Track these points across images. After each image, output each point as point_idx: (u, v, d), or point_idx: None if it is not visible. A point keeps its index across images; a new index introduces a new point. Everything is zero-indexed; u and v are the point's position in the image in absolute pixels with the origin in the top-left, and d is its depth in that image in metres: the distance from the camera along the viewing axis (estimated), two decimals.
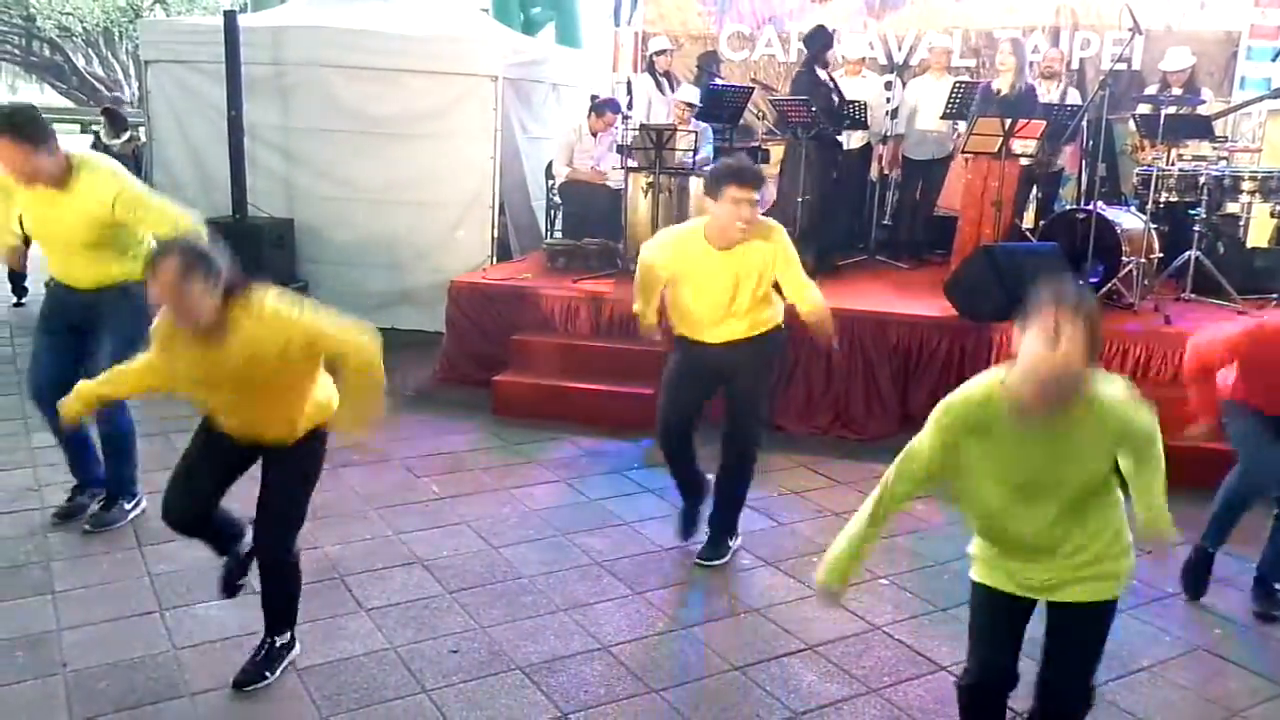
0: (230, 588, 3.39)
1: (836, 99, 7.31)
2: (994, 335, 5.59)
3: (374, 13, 7.87)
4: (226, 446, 3.10)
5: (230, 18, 7.21)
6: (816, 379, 5.84)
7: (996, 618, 2.53)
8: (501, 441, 5.48)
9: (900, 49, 8.93)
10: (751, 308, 3.88)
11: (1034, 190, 7.57)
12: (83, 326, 4.04)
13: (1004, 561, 2.47)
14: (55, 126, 3.98)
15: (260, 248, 7.40)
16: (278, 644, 3.20)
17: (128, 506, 4.25)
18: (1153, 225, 6.26)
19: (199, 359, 2.93)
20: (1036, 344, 2.15)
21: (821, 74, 7.38)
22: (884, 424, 5.74)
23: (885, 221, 8.34)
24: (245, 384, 2.93)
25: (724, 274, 3.78)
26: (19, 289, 8.41)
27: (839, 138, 7.42)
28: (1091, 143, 7.26)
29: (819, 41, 7.49)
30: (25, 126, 3.68)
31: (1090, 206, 6.24)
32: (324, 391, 3.17)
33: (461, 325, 6.51)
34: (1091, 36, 8.46)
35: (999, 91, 7.04)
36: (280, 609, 3.19)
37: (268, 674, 3.13)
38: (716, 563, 4.07)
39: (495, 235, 7.54)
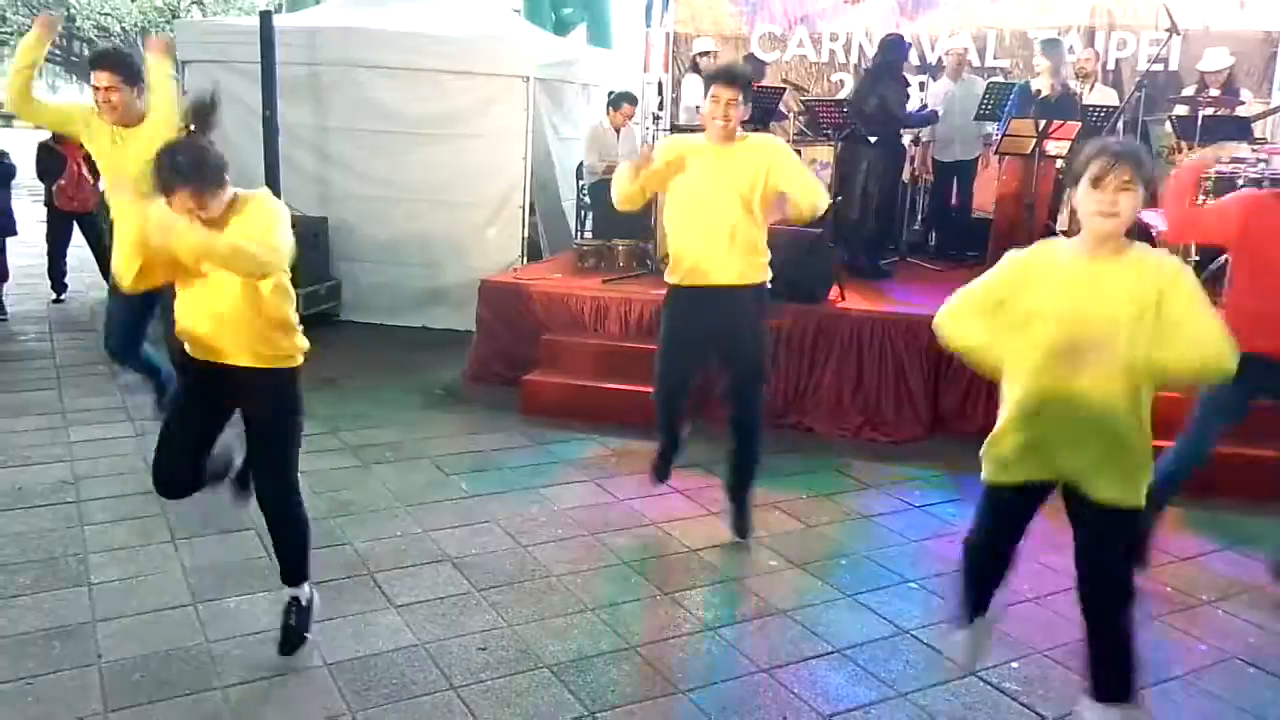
0: (240, 494, 3.54)
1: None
2: None
3: (407, 14, 7.93)
4: (202, 402, 3.15)
5: (266, 18, 7.29)
6: (847, 380, 5.81)
7: (1003, 515, 2.80)
8: (531, 441, 5.50)
9: (933, 50, 8.87)
10: (744, 235, 3.88)
11: (1068, 192, 7.50)
12: None
13: (1036, 447, 2.61)
14: None
15: (294, 246, 7.46)
16: (302, 601, 3.26)
17: None
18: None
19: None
20: (1088, 189, 2.44)
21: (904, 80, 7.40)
22: (914, 427, 5.71)
23: (915, 225, 8.31)
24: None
25: (720, 168, 3.84)
26: (58, 285, 8.55)
27: (871, 140, 7.39)
28: None
29: (902, 50, 7.46)
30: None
31: None
32: (295, 331, 3.30)
33: (492, 325, 6.54)
34: (1128, 37, 8.37)
35: (1039, 93, 6.98)
36: (295, 560, 3.26)
37: (307, 634, 3.24)
38: (750, 536, 4.21)
39: (526, 235, 7.58)
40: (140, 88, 4.26)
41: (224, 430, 3.24)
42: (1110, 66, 8.38)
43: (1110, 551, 2.64)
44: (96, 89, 4.19)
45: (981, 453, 2.74)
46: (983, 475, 2.76)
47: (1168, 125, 7.14)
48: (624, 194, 4.00)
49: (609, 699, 3.12)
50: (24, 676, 3.10)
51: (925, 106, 7.44)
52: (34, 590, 3.64)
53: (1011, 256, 2.63)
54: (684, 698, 3.15)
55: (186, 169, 2.85)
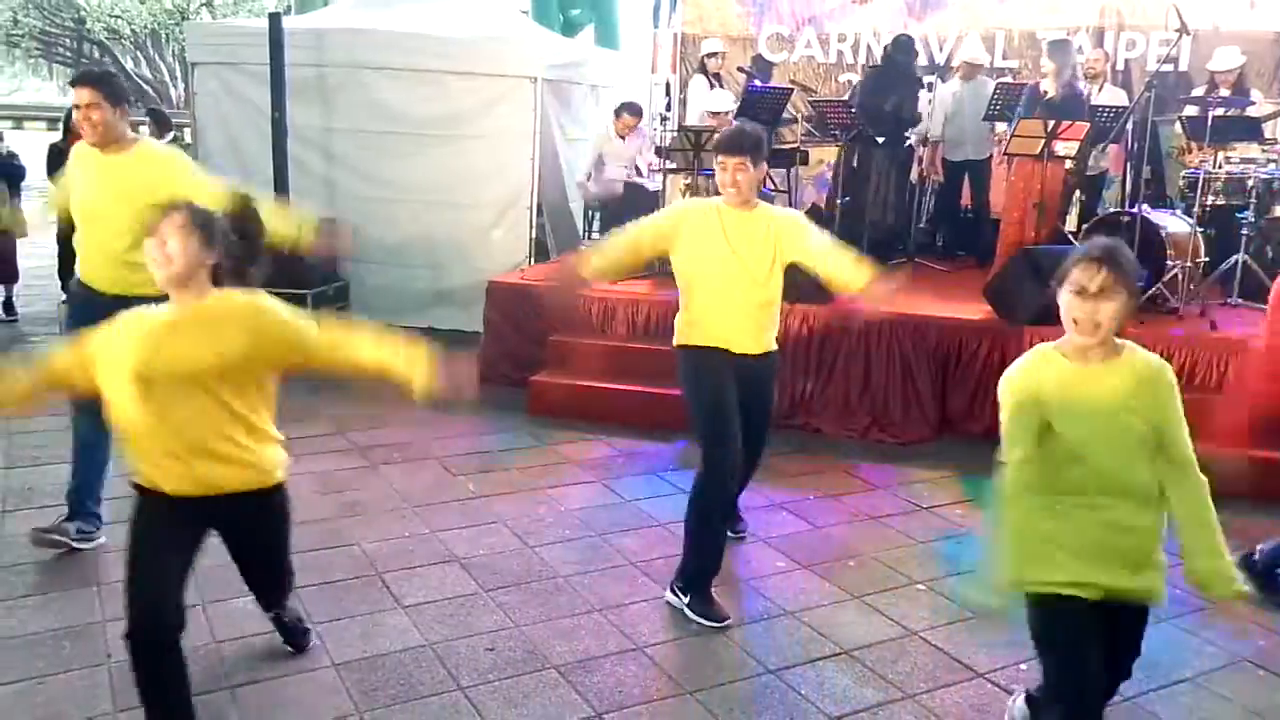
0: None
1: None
2: (1035, 338, 5.52)
3: (415, 15, 7.94)
4: (171, 522, 2.67)
5: (275, 20, 7.32)
6: (854, 381, 5.80)
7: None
8: (538, 441, 5.50)
9: (941, 50, 8.85)
10: (761, 304, 3.70)
11: (1076, 193, 7.48)
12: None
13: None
14: None
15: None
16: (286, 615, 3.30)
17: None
18: (1199, 229, 6.16)
19: (155, 335, 2.58)
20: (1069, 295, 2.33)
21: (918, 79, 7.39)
22: (922, 428, 5.70)
23: (922, 224, 8.29)
24: (187, 377, 2.54)
25: (732, 233, 3.63)
26: (68, 286, 8.57)
27: (879, 140, 7.39)
28: (1137, 145, 7.15)
29: (907, 50, 7.45)
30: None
31: (1135, 209, 6.15)
32: (275, 445, 2.79)
33: (499, 325, 6.55)
34: (1137, 37, 8.34)
35: (1045, 94, 6.97)
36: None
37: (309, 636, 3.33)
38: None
39: (533, 236, 7.58)
40: (123, 108, 3.95)
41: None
42: (1119, 67, 8.35)
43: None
44: (77, 107, 3.90)
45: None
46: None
47: (1177, 126, 7.11)
48: (600, 271, 3.85)
49: (616, 699, 3.13)
50: (34, 676, 3.12)
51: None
52: (43, 591, 3.65)
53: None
54: (691, 698, 3.15)
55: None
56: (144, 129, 10.42)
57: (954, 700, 3.19)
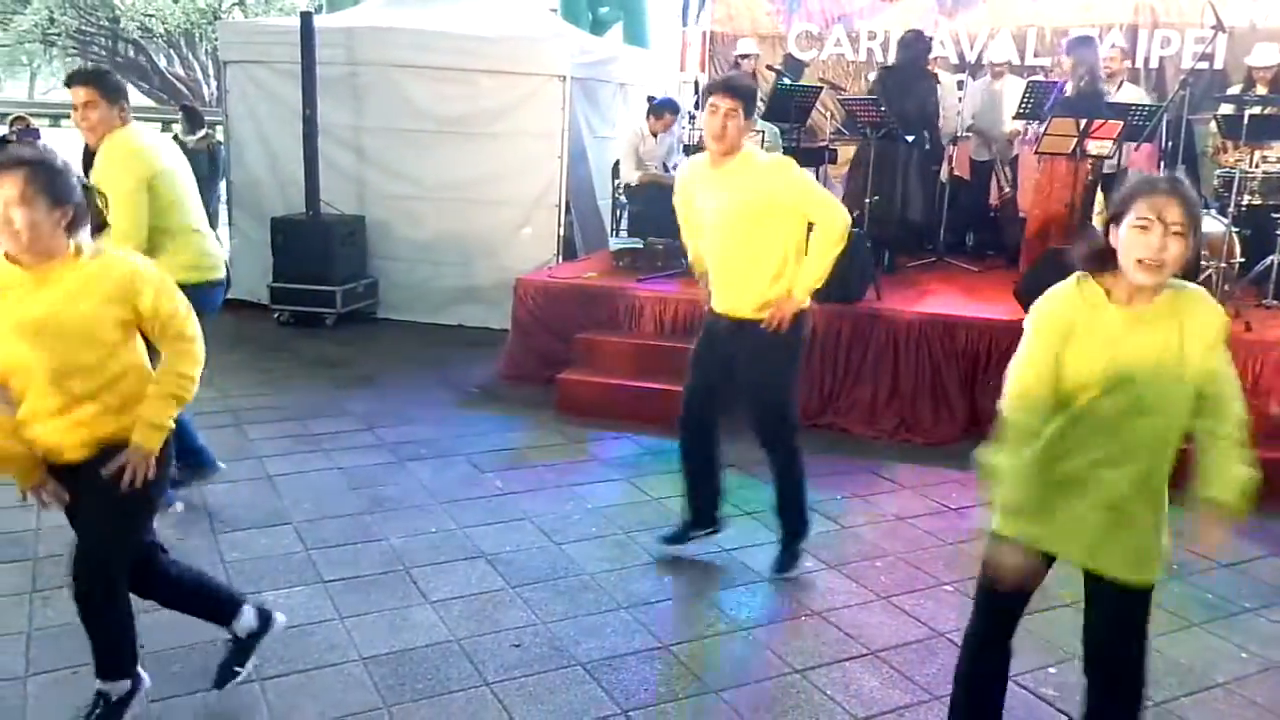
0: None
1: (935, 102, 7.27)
2: None
3: (445, 14, 7.98)
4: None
5: (306, 19, 7.38)
6: (883, 381, 5.78)
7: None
8: (565, 439, 5.52)
9: (972, 48, 8.79)
10: (757, 263, 3.65)
11: (1098, 191, 7.40)
12: None
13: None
14: (137, 125, 4.13)
15: (332, 244, 7.56)
16: (110, 696, 2.79)
17: None
18: (1234, 229, 6.08)
19: (21, 302, 2.52)
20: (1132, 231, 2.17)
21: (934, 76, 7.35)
22: (950, 429, 5.66)
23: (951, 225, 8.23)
24: (60, 338, 2.51)
25: (724, 188, 3.64)
26: None
27: (909, 139, 7.34)
28: (1170, 144, 7.07)
29: (925, 46, 7.40)
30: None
31: None
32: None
33: (526, 323, 6.57)
34: (1172, 35, 8.23)
35: (1063, 91, 6.91)
36: (99, 651, 2.78)
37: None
38: (789, 574, 3.93)
39: (561, 234, 7.60)
40: (122, 105, 3.93)
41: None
42: (1154, 65, 8.26)
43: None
44: (75, 107, 3.87)
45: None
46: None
47: (1213, 124, 7.02)
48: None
49: (642, 697, 3.13)
50: (69, 665, 3.16)
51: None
52: None
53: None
54: (716, 697, 3.15)
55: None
56: (177, 126, 10.56)
57: None
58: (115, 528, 2.70)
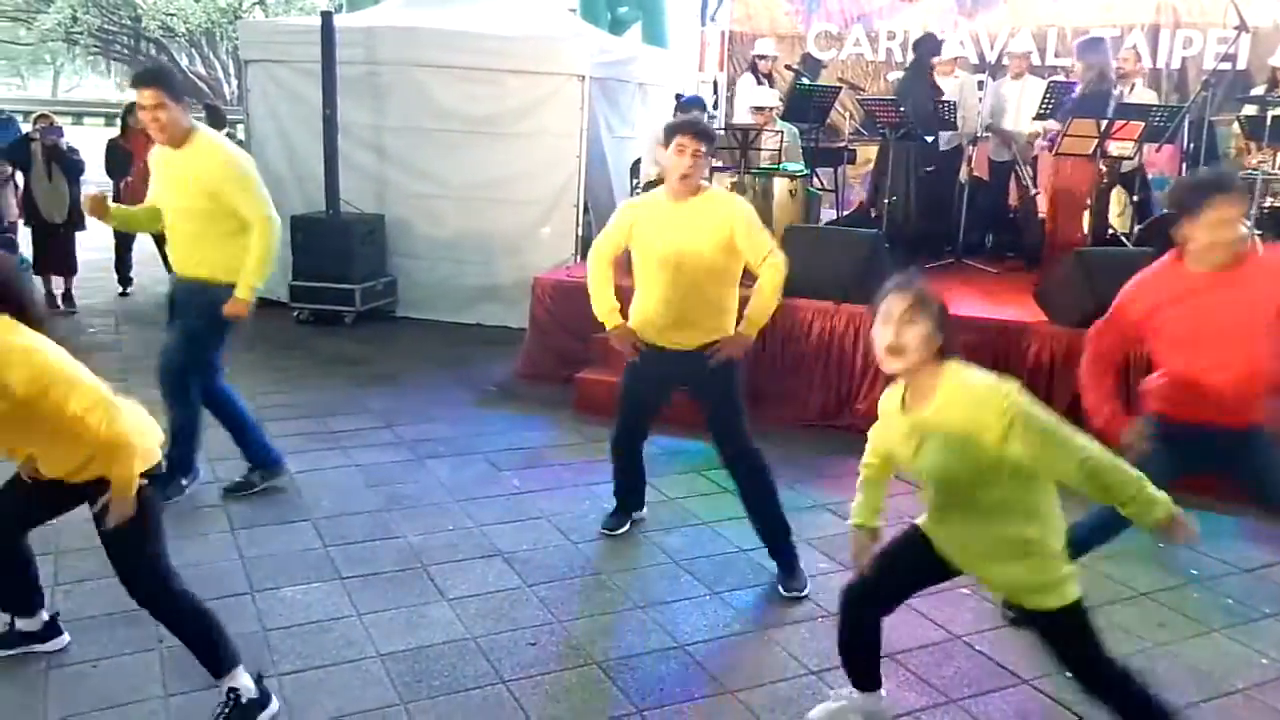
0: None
1: (936, 104, 7.24)
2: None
3: (465, 13, 8.01)
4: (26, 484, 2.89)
5: (327, 19, 7.42)
6: None
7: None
8: (582, 438, 5.53)
9: (992, 48, 8.75)
10: (711, 297, 3.76)
11: (1115, 191, 7.35)
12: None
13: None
14: None
15: (351, 243, 7.60)
16: (233, 697, 2.88)
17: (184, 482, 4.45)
18: (1257, 232, 6.03)
19: None
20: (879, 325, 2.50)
21: (930, 79, 7.33)
22: None
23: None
24: None
25: (682, 223, 3.72)
26: (124, 279, 8.76)
27: (928, 139, 7.32)
28: (1192, 145, 7.02)
29: (927, 47, 7.41)
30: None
31: None
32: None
33: (544, 322, 6.59)
34: (1194, 35, 8.17)
35: (1075, 93, 6.88)
36: (199, 652, 2.92)
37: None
38: (802, 593, 3.85)
39: (579, 233, 7.61)
40: (185, 103, 4.09)
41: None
42: (1175, 65, 8.20)
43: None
44: (142, 109, 3.98)
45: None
46: None
47: (1235, 126, 6.97)
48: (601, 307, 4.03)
49: (657, 697, 3.13)
50: (89, 659, 3.20)
51: (949, 105, 7.33)
52: (99, 575, 3.71)
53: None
54: (732, 698, 3.15)
55: None
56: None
57: (998, 706, 3.16)
58: (126, 549, 2.87)
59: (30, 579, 3.21)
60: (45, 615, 3.26)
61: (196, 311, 4.23)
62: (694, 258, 3.72)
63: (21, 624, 3.21)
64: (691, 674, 3.28)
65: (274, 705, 2.95)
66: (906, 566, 2.80)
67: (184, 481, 4.45)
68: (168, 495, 4.29)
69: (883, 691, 2.95)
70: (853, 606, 2.82)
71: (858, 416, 5.78)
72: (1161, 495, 2.39)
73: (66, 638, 3.28)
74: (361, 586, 3.74)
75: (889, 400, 2.69)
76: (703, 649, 3.43)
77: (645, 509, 4.45)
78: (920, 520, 2.78)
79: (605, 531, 4.29)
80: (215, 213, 4.10)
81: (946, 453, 2.47)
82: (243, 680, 2.91)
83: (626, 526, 4.34)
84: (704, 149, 3.68)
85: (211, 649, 2.91)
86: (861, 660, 2.90)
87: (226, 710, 2.87)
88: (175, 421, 4.31)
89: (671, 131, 3.75)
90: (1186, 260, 3.22)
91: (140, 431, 2.79)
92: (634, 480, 4.32)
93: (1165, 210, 7.06)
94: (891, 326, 2.45)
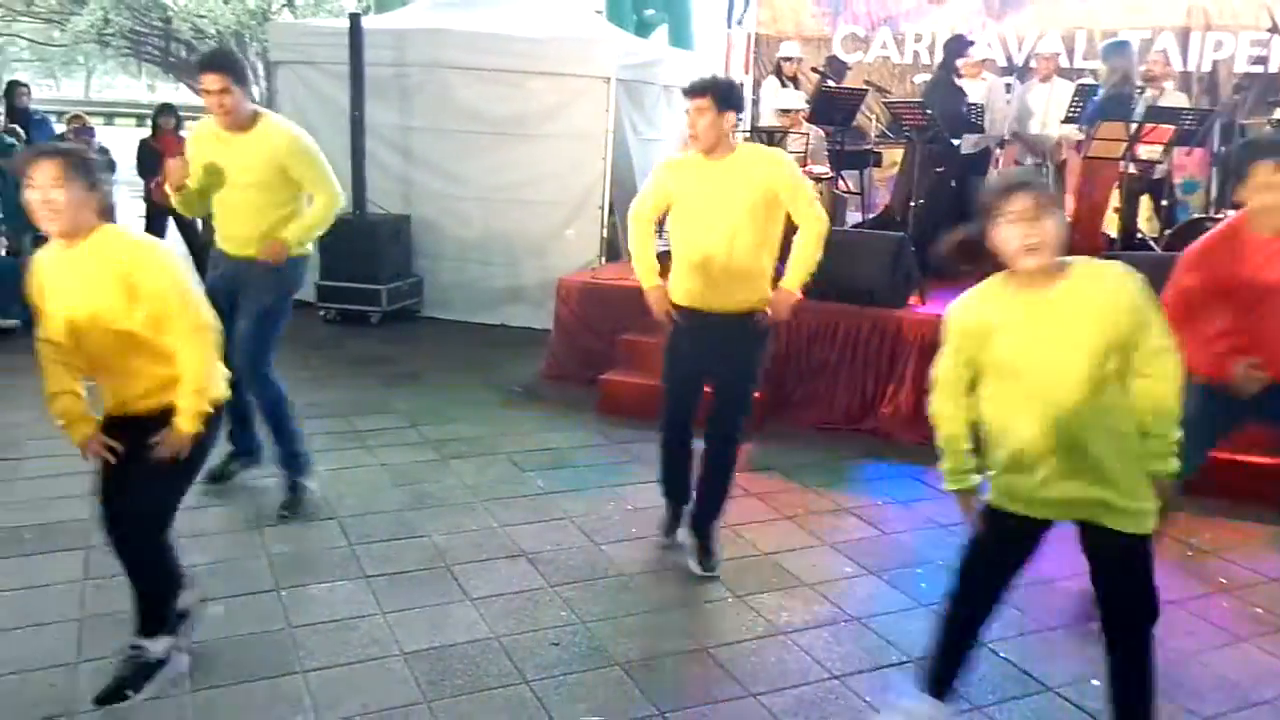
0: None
1: (965, 107, 7.21)
2: None
3: (491, 15, 8.04)
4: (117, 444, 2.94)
5: (355, 21, 7.47)
6: (925, 387, 5.71)
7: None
8: (606, 440, 5.54)
9: (1020, 50, 8.69)
10: (743, 257, 3.70)
11: (1145, 197, 7.28)
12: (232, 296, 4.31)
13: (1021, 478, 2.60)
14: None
15: (378, 243, 7.64)
16: (147, 653, 2.99)
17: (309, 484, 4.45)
18: None
19: (63, 276, 2.81)
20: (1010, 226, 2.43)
21: (957, 81, 7.29)
22: None
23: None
24: (91, 322, 2.77)
25: (719, 180, 3.68)
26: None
27: (955, 142, 7.28)
28: (1223, 148, 6.95)
29: (955, 48, 7.38)
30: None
31: (1220, 215, 5.97)
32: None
33: (569, 323, 6.60)
34: (1225, 38, 8.08)
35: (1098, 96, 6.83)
36: (150, 607, 3.01)
37: (129, 691, 2.96)
38: (716, 574, 3.91)
39: (604, 235, 7.63)
40: (246, 88, 4.15)
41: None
42: (1206, 68, 8.11)
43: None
44: (208, 93, 4.01)
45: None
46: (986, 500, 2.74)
47: (1267, 128, 6.89)
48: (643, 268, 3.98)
49: (680, 699, 3.14)
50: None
51: (977, 108, 7.29)
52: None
53: (950, 318, 2.68)
54: (754, 701, 3.15)
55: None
56: None
57: (1022, 713, 3.14)
58: (156, 482, 2.91)
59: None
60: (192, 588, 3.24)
61: (268, 288, 4.23)
62: (730, 216, 3.68)
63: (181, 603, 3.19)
64: (714, 676, 3.27)
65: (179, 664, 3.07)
66: (998, 557, 2.75)
67: (308, 483, 4.45)
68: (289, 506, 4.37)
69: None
70: (959, 611, 2.80)
71: (882, 420, 5.77)
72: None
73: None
74: (386, 585, 3.77)
75: (976, 308, 2.61)
76: (725, 651, 3.42)
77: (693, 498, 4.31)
78: (990, 496, 2.71)
79: (666, 542, 4.19)
80: (284, 191, 4.19)
81: (1077, 333, 2.42)
82: (161, 647, 3.01)
83: (681, 535, 4.17)
84: (706, 103, 3.59)
85: (161, 609, 3.02)
86: (955, 667, 2.86)
87: (132, 660, 2.98)
88: (266, 409, 4.32)
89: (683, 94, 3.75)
90: (1249, 223, 3.31)
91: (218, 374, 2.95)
92: (684, 470, 4.17)
93: (1195, 215, 7.00)
94: (1028, 223, 2.41)
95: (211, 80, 4.01)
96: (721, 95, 3.65)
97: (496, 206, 7.77)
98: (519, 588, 3.80)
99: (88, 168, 2.75)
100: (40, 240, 8.14)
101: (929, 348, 5.69)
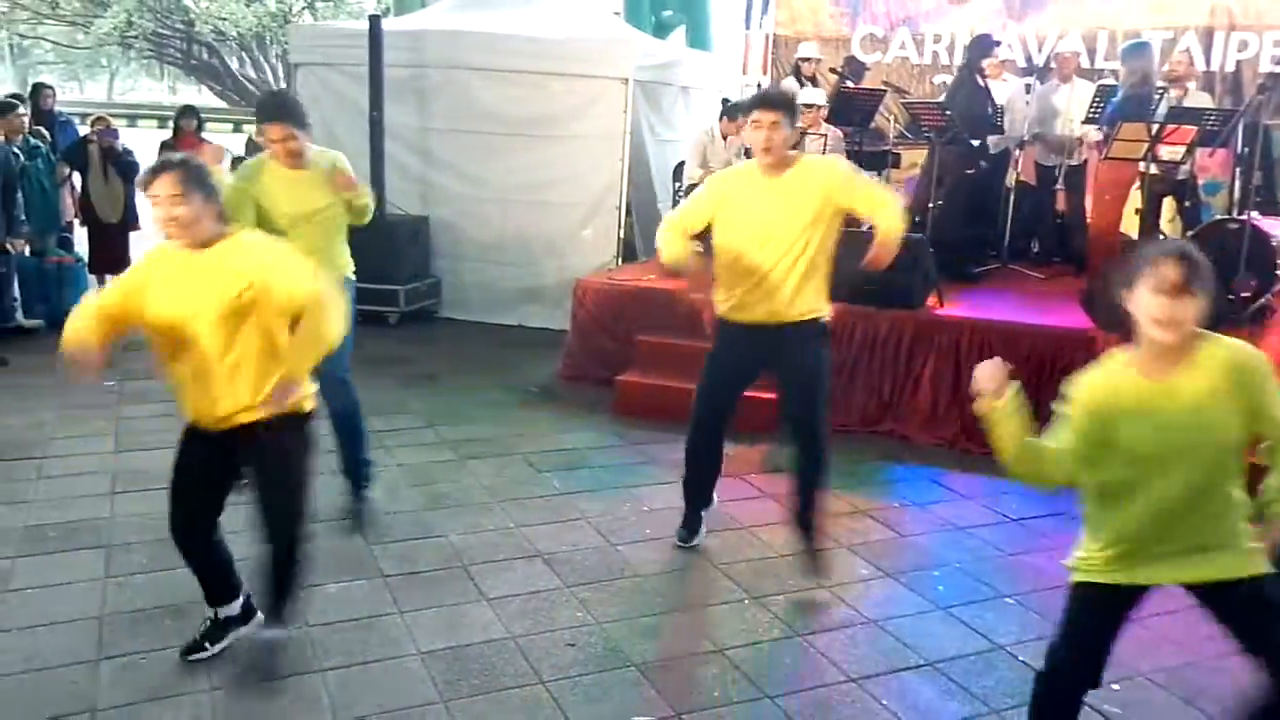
0: (192, 649, 3.24)
1: (991, 108, 7.17)
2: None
3: (510, 16, 8.06)
4: (204, 456, 3.04)
5: (375, 23, 7.50)
6: (943, 388, 5.71)
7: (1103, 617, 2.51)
8: (622, 440, 5.54)
9: (1041, 51, 8.64)
10: (805, 269, 3.69)
11: (1168, 199, 7.22)
12: None
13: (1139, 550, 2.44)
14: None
15: (396, 244, 7.67)
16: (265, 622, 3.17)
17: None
18: None
19: (182, 280, 2.87)
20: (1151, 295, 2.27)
21: (981, 81, 7.25)
22: None
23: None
24: (221, 320, 2.85)
25: (775, 197, 3.66)
26: None
27: (975, 143, 7.24)
28: (1246, 149, 6.88)
29: (979, 48, 7.33)
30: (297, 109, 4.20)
31: (1243, 216, 5.92)
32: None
33: (586, 324, 6.61)
34: (1250, 38, 8.01)
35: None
36: (286, 591, 3.12)
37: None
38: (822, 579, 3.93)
39: (621, 236, 7.63)
40: (308, 131, 4.15)
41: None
42: (1230, 69, 8.04)
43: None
44: (273, 141, 4.05)
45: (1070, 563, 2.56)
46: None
47: None
48: (673, 257, 3.90)
49: (696, 700, 3.13)
50: (138, 651, 3.26)
51: (1000, 111, 7.25)
52: (150, 569, 3.82)
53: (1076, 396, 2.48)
54: (770, 703, 3.14)
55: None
56: (249, 127, 10.80)
57: None
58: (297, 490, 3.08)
59: (229, 565, 3.27)
60: (242, 596, 3.32)
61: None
62: (795, 231, 3.67)
63: (224, 612, 3.27)
64: (730, 678, 3.27)
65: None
66: (1097, 630, 2.54)
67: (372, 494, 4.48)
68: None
69: None
70: (1059, 693, 2.61)
71: (899, 422, 5.74)
72: None
73: (261, 616, 3.31)
74: (403, 585, 3.78)
75: (1102, 387, 2.44)
76: (741, 653, 3.42)
77: (715, 500, 4.37)
78: (1092, 575, 2.50)
79: (680, 544, 4.20)
80: (340, 216, 4.24)
81: (1204, 415, 2.32)
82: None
83: (701, 536, 4.23)
84: (779, 118, 3.59)
85: (293, 593, 3.13)
86: None
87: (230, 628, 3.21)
88: (344, 415, 4.34)
89: (746, 110, 3.72)
90: None
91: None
92: (709, 477, 4.20)
93: (1218, 216, 6.94)
94: (1168, 296, 2.26)
95: (275, 131, 4.04)
96: (792, 109, 3.67)
97: (514, 207, 7.79)
98: (535, 588, 3.81)
99: (202, 177, 2.84)
100: (65, 241, 8.18)
101: (946, 350, 5.69)
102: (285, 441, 3.01)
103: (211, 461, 3.04)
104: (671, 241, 3.92)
